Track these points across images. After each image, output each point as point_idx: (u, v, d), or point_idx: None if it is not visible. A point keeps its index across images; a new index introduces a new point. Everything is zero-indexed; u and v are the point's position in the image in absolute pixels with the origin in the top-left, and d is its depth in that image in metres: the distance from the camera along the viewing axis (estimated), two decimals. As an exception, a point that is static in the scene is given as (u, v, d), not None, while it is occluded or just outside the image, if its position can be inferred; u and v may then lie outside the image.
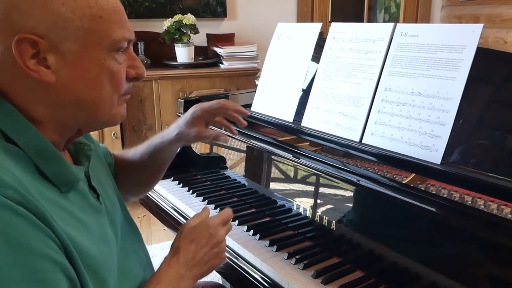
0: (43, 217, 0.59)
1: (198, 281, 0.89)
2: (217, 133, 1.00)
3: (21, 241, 0.56)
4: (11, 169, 0.59)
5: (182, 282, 0.81)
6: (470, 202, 0.83)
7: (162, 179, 1.53)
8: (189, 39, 2.81)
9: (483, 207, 0.81)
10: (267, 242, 1.11)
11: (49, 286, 0.57)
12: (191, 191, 1.44)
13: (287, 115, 1.33)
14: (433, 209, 0.85)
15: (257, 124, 1.39)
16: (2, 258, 0.54)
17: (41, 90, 0.65)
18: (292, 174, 1.20)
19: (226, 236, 1.15)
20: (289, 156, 1.18)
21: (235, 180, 1.42)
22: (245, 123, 1.05)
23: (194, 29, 2.78)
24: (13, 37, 0.61)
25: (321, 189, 1.10)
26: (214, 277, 2.09)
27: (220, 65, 2.91)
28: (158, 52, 2.89)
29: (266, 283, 1.01)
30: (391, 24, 1.12)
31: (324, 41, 1.28)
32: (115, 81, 0.70)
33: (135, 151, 1.06)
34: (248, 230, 1.18)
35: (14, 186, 0.57)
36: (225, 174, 1.47)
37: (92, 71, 0.67)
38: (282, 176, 1.24)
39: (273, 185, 1.27)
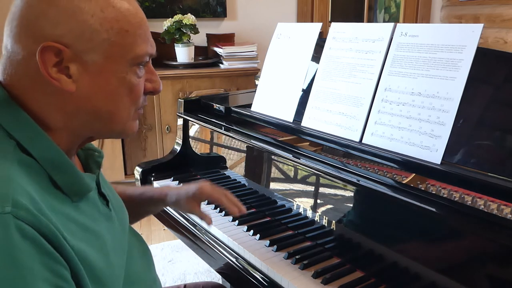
0: (53, 237, 0.58)
1: (198, 281, 0.89)
2: (206, 217, 1.06)
3: (26, 264, 0.55)
4: (24, 185, 0.59)
5: None
6: (470, 202, 0.83)
7: (162, 179, 1.54)
8: (189, 39, 2.81)
9: (483, 207, 0.81)
10: (267, 242, 1.11)
11: None
12: (191, 191, 1.44)
13: (287, 115, 1.33)
14: (433, 209, 0.85)
15: (257, 124, 1.39)
16: (5, 281, 0.54)
17: (59, 98, 0.65)
18: (292, 174, 1.20)
19: (226, 236, 1.16)
20: (289, 156, 1.18)
21: (235, 180, 1.42)
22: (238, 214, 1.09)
23: (194, 29, 2.78)
24: (38, 43, 0.61)
25: (321, 189, 1.10)
26: (214, 277, 2.09)
27: (220, 65, 2.91)
28: (158, 52, 2.88)
29: (266, 283, 1.01)
30: (391, 24, 1.12)
31: (324, 41, 1.28)
32: (134, 95, 0.70)
33: (126, 191, 1.06)
34: (248, 230, 1.18)
35: (27, 207, 0.57)
36: (225, 174, 1.47)
37: (112, 83, 0.67)
38: (282, 176, 1.24)
39: (273, 185, 1.27)
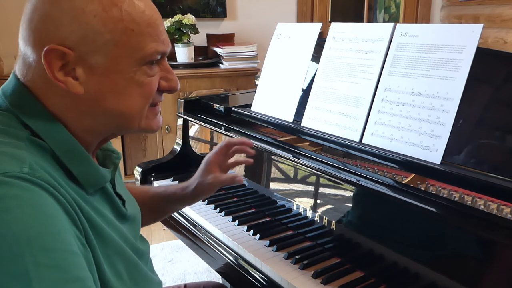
0: (69, 202, 0.59)
1: (199, 281, 0.89)
2: (232, 175, 1.05)
3: (56, 219, 0.56)
4: (39, 162, 0.59)
5: None
6: (469, 202, 0.83)
7: (162, 179, 1.54)
8: (189, 39, 2.81)
9: (482, 207, 0.81)
10: (267, 242, 1.11)
11: (72, 258, 0.56)
12: (191, 191, 1.44)
13: (287, 115, 1.33)
14: (433, 209, 0.85)
15: (257, 124, 1.39)
16: (39, 237, 0.53)
17: (71, 100, 0.64)
18: (292, 174, 1.20)
19: (226, 236, 1.16)
20: (289, 156, 1.18)
21: (235, 180, 1.42)
22: (253, 152, 1.11)
23: (194, 29, 2.78)
24: (44, 46, 0.60)
25: (321, 189, 1.10)
26: (214, 277, 2.09)
27: (220, 65, 2.91)
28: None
29: (266, 283, 1.01)
30: (391, 24, 1.12)
31: (324, 41, 1.28)
32: (145, 94, 0.68)
33: (149, 190, 1.07)
34: (248, 230, 1.18)
35: (42, 173, 0.57)
36: (225, 174, 1.47)
37: (120, 84, 0.65)
38: (282, 176, 1.24)
39: (273, 185, 1.27)
